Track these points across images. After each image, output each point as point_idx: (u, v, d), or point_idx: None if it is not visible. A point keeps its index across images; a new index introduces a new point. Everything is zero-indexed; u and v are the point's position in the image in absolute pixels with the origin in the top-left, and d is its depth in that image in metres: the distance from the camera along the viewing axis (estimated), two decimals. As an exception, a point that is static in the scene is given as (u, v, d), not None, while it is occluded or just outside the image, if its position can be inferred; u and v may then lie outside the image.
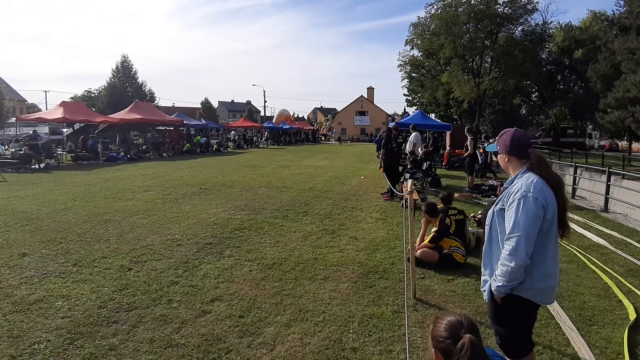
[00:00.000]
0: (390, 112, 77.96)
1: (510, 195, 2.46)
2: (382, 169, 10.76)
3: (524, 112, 42.02)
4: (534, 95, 40.51)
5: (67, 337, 3.68)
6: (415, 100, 50.80)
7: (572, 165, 12.69)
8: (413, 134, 13.22)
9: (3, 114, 26.19)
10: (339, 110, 77.06)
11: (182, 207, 9.49)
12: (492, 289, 2.48)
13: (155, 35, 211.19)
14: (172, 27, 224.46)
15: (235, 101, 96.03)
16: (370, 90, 75.88)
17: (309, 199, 10.65)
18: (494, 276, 2.47)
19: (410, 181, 4.88)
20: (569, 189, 12.23)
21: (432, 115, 42.00)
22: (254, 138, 44.29)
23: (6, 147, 22.48)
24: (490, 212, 2.61)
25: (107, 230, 7.50)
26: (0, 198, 10.71)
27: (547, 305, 4.34)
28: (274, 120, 51.10)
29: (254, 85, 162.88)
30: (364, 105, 72.41)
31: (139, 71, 41.86)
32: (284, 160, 23.44)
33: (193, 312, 4.25)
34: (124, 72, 38.43)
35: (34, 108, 54.90)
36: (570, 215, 9.22)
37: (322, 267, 5.64)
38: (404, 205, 4.66)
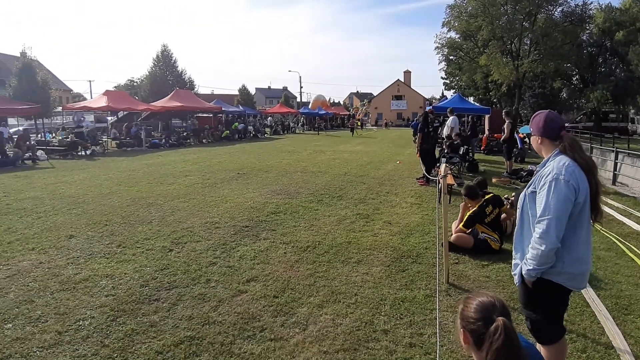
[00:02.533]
0: (427, 96, 76.28)
1: (542, 177, 2.40)
2: (418, 153, 10.61)
3: (564, 95, 40.29)
4: (574, 78, 38.81)
5: (110, 314, 3.87)
6: (453, 84, 49.54)
7: (613, 151, 12.09)
8: (451, 117, 12.93)
9: (50, 104, 27.31)
10: (375, 95, 76.15)
11: (220, 192, 9.69)
12: (523, 272, 2.43)
13: (194, 22, 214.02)
14: (211, 14, 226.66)
15: (272, 87, 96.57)
16: (407, 73, 74.37)
17: (344, 183, 10.65)
18: (525, 260, 2.42)
19: (444, 165, 4.79)
20: (609, 175, 11.68)
21: (471, 99, 40.89)
22: (290, 124, 44.47)
23: (53, 135, 23.51)
24: (522, 195, 2.56)
25: (149, 213, 7.76)
26: (49, 183, 11.27)
27: (583, 293, 4.21)
28: (309, 106, 51.09)
29: (289, 71, 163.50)
30: (401, 89, 71.13)
31: (178, 59, 42.47)
32: (320, 146, 23.47)
33: (230, 292, 4.37)
34: (164, 61, 39.24)
35: (79, 97, 57.04)
36: (610, 201, 8.87)
37: (355, 250, 5.65)
38: (439, 190, 4.59)
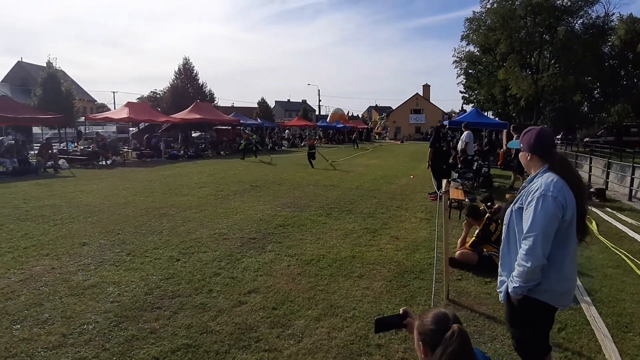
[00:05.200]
0: (447, 110, 75.84)
1: (529, 194, 2.43)
2: (429, 168, 10.64)
3: (585, 109, 39.63)
4: (595, 92, 38.10)
5: (114, 320, 4.02)
6: (472, 98, 49.29)
7: (630, 166, 11.88)
8: (465, 132, 12.92)
9: (73, 113, 28.18)
10: (394, 109, 76.19)
11: (232, 203, 9.87)
12: (509, 290, 2.46)
13: (216, 37, 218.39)
14: (233, 29, 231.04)
15: (291, 100, 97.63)
16: (426, 87, 74.23)
17: (355, 197, 10.73)
18: (511, 277, 2.46)
19: (445, 181, 4.84)
20: (626, 191, 11.46)
21: (489, 114, 40.55)
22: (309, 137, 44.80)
23: (76, 144, 24.19)
24: (508, 211, 2.59)
25: (161, 223, 7.96)
26: (68, 192, 11.64)
27: (584, 311, 4.19)
28: (327, 119, 51.44)
29: (308, 84, 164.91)
30: (420, 103, 70.96)
31: (199, 73, 43.40)
32: (335, 159, 23.60)
33: (230, 302, 4.48)
34: (186, 74, 40.16)
35: (103, 108, 58.61)
36: (624, 218, 8.71)
37: (359, 265, 5.71)
38: (446, 205, 4.63)
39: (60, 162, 18.92)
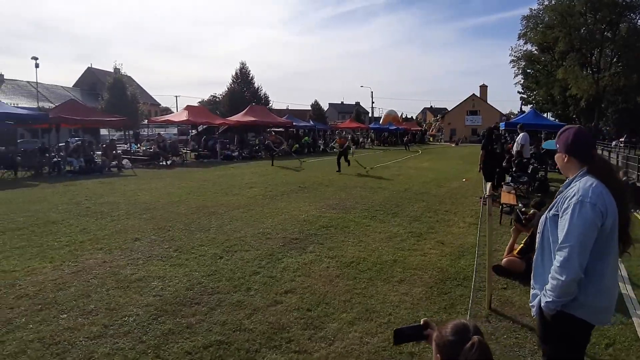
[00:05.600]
0: (505, 112, 72.82)
1: (566, 199, 2.20)
2: (481, 171, 10.22)
3: (650, 110, 36.63)
4: (661, 92, 35.11)
5: (154, 313, 4.13)
6: (530, 99, 47.02)
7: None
8: (521, 134, 12.30)
9: (137, 116, 29.69)
10: (449, 110, 74.23)
11: (278, 204, 9.96)
12: (542, 304, 2.23)
13: (273, 42, 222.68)
14: (289, 33, 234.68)
15: (344, 103, 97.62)
16: (483, 88, 71.58)
17: (402, 200, 10.50)
18: (544, 290, 2.23)
19: (489, 184, 4.59)
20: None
21: (549, 115, 38.48)
22: (360, 139, 44.59)
23: (139, 145, 25.44)
24: (542, 218, 2.36)
25: (209, 221, 8.16)
26: (128, 190, 12.23)
27: (635, 326, 3.82)
28: (380, 121, 50.96)
29: (362, 86, 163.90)
30: (476, 104, 68.56)
31: (255, 76, 44.32)
32: (386, 161, 23.30)
33: (266, 301, 4.49)
34: (242, 78, 41.24)
35: (166, 111, 61.29)
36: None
37: (399, 269, 5.55)
38: (490, 210, 4.39)
39: (124, 162, 19.96)
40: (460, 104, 69.95)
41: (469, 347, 1.48)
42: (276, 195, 11.26)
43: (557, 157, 2.42)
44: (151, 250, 6.27)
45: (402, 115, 69.13)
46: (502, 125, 19.98)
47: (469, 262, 5.87)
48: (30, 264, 5.55)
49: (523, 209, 5.69)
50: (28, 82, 44.11)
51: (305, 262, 5.76)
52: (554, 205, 2.30)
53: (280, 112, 41.42)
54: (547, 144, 11.34)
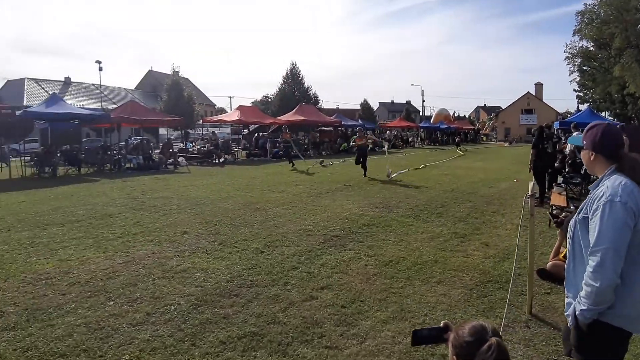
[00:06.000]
0: (561, 110, 68.96)
1: (595, 200, 2.06)
2: (531, 171, 9.77)
3: None
4: None
5: (194, 303, 4.27)
6: (587, 97, 44.32)
7: None
8: (574, 133, 11.64)
9: (193, 116, 30.78)
10: (503, 109, 71.42)
11: (322, 201, 10.00)
12: (576, 313, 2.10)
13: (325, 42, 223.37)
14: (342, 33, 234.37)
15: (395, 101, 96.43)
16: (539, 86, 68.16)
17: (448, 200, 10.23)
18: (578, 298, 2.09)
19: (531, 183, 4.38)
20: None
21: (606, 114, 36.12)
22: (409, 138, 43.91)
23: (193, 144, 26.39)
24: (571, 222, 2.22)
25: (254, 217, 8.33)
26: (181, 186, 12.71)
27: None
28: (431, 120, 49.92)
29: (412, 85, 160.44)
30: (531, 102, 65.44)
31: (306, 77, 44.76)
32: (435, 161, 22.79)
33: (302, 296, 4.52)
34: (293, 78, 41.77)
35: (221, 111, 63.14)
36: None
37: (439, 270, 5.42)
38: (532, 211, 4.19)
39: (180, 159, 20.77)
40: (515, 102, 67.14)
41: (486, 348, 1.43)
42: (321, 193, 11.31)
43: (584, 155, 2.29)
44: (197, 243, 6.48)
45: (454, 114, 67.12)
46: (556, 125, 19.00)
47: (512, 265, 5.62)
48: (85, 253, 5.90)
49: (554, 212, 5.39)
50: (93, 84, 46.92)
51: (344, 260, 5.75)
52: (583, 208, 2.16)
53: (329, 112, 41.52)
54: (573, 140, 10.55)
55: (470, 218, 8.39)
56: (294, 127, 30.25)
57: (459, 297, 4.59)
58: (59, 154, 17.71)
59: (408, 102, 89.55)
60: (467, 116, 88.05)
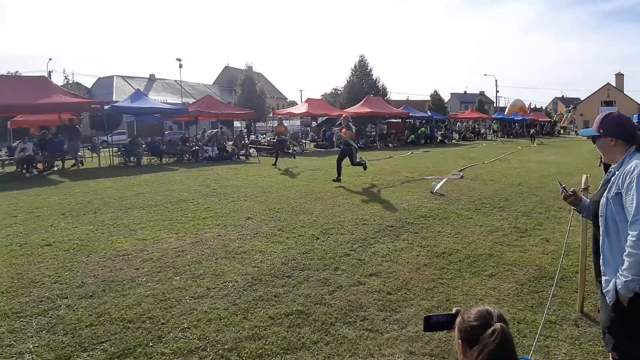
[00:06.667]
0: (645, 102, 62.51)
1: (627, 175, 2.15)
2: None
3: None
4: None
5: (250, 281, 4.57)
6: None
7: None
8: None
9: (265, 110, 31.75)
10: (581, 100, 66.08)
11: (382, 192, 10.03)
12: (618, 287, 2.11)
13: (391, 31, 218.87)
14: (408, 23, 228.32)
15: (467, 92, 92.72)
16: (619, 77, 61.87)
17: (513, 194, 9.82)
18: (620, 272, 2.11)
19: (585, 176, 4.16)
20: None
21: None
22: (481, 130, 42.16)
23: (263, 136, 27.28)
24: (602, 201, 2.28)
25: (314, 205, 8.56)
26: (250, 175, 13.30)
27: None
28: (505, 112, 47.48)
29: (485, 75, 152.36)
30: (611, 94, 59.74)
31: (374, 68, 44.27)
32: (506, 154, 21.76)
33: (350, 281, 4.66)
34: (361, 70, 41.56)
35: (293, 104, 64.43)
36: None
37: (493, 264, 5.30)
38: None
39: (251, 150, 21.63)
40: (594, 93, 61.82)
41: (490, 333, 1.45)
42: (382, 184, 11.32)
43: (603, 142, 2.42)
44: (259, 228, 6.83)
45: (529, 105, 63.24)
46: (635, 118, 17.36)
47: (572, 262, 5.38)
48: (160, 234, 6.45)
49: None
50: (175, 80, 49.83)
51: (396, 249, 5.79)
52: (612, 186, 2.25)
53: (398, 103, 40.90)
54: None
55: (534, 213, 8.03)
56: (361, 119, 30.22)
57: (509, 291, 4.49)
58: (143, 145, 19.14)
59: (481, 93, 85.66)
60: (543, 108, 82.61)
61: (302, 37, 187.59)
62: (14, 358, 3.22)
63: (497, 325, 1.44)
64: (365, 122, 31.83)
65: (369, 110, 28.46)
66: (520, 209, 8.31)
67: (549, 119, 55.64)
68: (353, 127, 12.58)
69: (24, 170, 15.10)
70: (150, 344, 3.38)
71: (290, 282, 4.59)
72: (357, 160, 12.35)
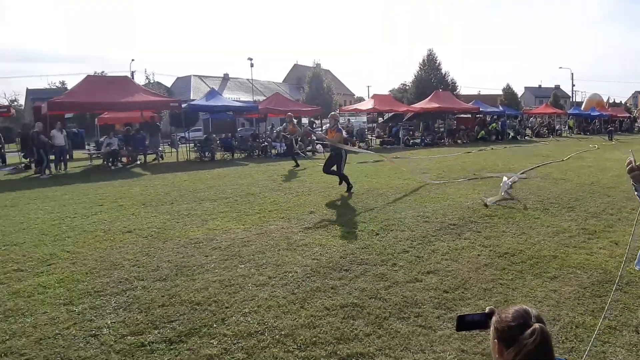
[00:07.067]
0: None
1: None
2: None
3: None
4: None
5: (308, 272, 4.74)
6: None
7: None
8: None
9: (331, 106, 31.99)
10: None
11: (446, 190, 9.81)
12: None
13: (464, 25, 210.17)
14: (478, 15, 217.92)
15: (542, 86, 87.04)
16: None
17: (584, 194, 9.20)
18: None
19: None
20: None
21: None
22: (556, 126, 39.52)
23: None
24: None
25: (376, 201, 8.60)
26: (315, 171, 13.61)
27: None
28: (582, 107, 44.07)
29: (560, 67, 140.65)
30: None
31: (442, 63, 43.01)
32: (583, 152, 20.29)
33: (407, 277, 4.67)
34: (429, 65, 40.58)
35: (360, 100, 64.29)
36: None
37: (556, 266, 5.05)
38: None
39: (317, 147, 21.95)
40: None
41: (529, 333, 1.43)
42: (447, 181, 11.07)
43: None
44: (320, 222, 7.01)
45: (608, 99, 58.12)
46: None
47: (648, 267, 4.99)
48: (228, 225, 6.84)
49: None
50: (247, 79, 51.59)
51: (457, 248, 5.70)
52: None
53: (468, 98, 39.44)
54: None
55: (605, 214, 7.49)
56: (429, 115, 29.50)
57: (570, 294, 4.28)
58: (217, 141, 20.11)
59: (557, 87, 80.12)
60: (622, 102, 75.54)
61: (370, 32, 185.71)
62: (94, 332, 3.61)
63: (537, 325, 1.42)
64: (434, 118, 31.04)
65: (436, 105, 27.70)
66: (591, 210, 7.79)
67: (628, 115, 50.80)
68: (342, 128, 11.03)
69: (109, 164, 16.53)
70: (214, 326, 3.66)
71: (347, 276, 4.70)
72: (343, 167, 9.80)
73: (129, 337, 3.50)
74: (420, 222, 7.02)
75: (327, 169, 9.92)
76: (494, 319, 1.59)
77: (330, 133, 10.10)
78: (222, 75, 57.92)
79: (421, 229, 6.62)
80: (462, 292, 4.32)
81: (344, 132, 10.52)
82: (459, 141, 27.73)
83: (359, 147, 23.64)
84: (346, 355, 3.22)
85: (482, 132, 29.56)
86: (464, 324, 1.63)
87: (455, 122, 32.15)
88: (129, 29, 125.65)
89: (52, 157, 15.29)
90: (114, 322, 3.75)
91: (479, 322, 1.61)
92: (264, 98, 36.83)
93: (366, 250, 5.57)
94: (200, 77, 54.53)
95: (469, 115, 32.39)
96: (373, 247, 5.72)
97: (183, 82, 53.07)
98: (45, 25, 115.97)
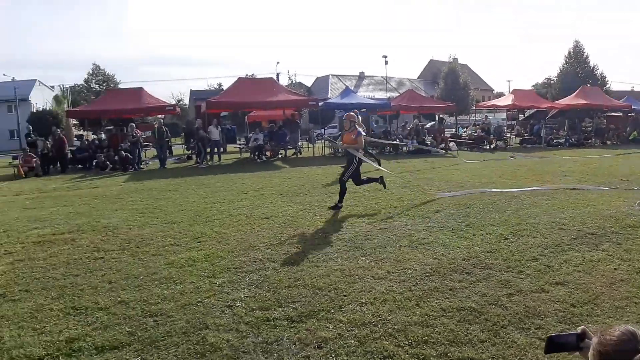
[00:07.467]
0: None
1: None
2: None
3: None
4: None
5: (428, 272, 4.70)
6: None
7: None
8: None
9: (468, 102, 30.33)
10: None
11: (588, 195, 8.69)
12: None
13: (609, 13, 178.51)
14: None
15: None
16: None
17: None
18: None
19: None
20: None
21: None
22: None
23: (464, 129, 26.17)
24: None
25: (508, 204, 7.97)
26: (445, 169, 13.15)
27: None
28: None
29: None
30: None
31: (590, 55, 37.32)
32: None
33: (533, 287, 4.33)
34: (576, 58, 35.71)
35: (499, 96, 59.67)
36: None
37: None
38: None
39: (451, 144, 21.14)
40: None
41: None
42: (590, 186, 9.80)
43: None
44: (446, 222, 6.82)
45: None
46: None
47: None
48: (354, 219, 7.10)
49: None
50: (382, 76, 51.59)
51: (592, 260, 5.08)
52: None
53: (620, 95, 33.78)
54: None
55: None
56: (575, 112, 26.14)
57: None
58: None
59: None
60: None
61: (510, 25, 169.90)
62: (229, 303, 4.11)
63: None
64: (580, 116, 27.39)
65: (583, 102, 24.40)
66: None
67: None
68: (362, 131, 8.62)
69: (255, 157, 18.26)
70: (332, 311, 3.88)
71: (468, 279, 4.55)
72: (348, 177, 8.04)
73: (257, 312, 3.92)
74: (555, 228, 6.39)
75: (357, 181, 8.29)
76: (594, 340, 1.45)
77: (348, 135, 8.14)
78: (358, 74, 58.92)
79: (555, 236, 6.03)
80: (592, 308, 3.88)
81: (363, 135, 8.43)
82: (608, 142, 24.15)
83: (496, 145, 22.18)
84: (457, 358, 3.15)
85: (635, 132, 25.16)
86: (554, 345, 1.49)
87: (605, 120, 27.90)
88: (274, 33, 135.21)
89: (209, 149, 17.51)
90: (246, 297, 4.23)
91: (570, 343, 1.48)
92: (397, 95, 36.61)
93: (492, 255, 5.29)
94: (337, 76, 56.27)
95: (620, 114, 27.81)
96: (500, 251, 5.41)
97: (322, 82, 55.39)
98: (206, 35, 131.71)
